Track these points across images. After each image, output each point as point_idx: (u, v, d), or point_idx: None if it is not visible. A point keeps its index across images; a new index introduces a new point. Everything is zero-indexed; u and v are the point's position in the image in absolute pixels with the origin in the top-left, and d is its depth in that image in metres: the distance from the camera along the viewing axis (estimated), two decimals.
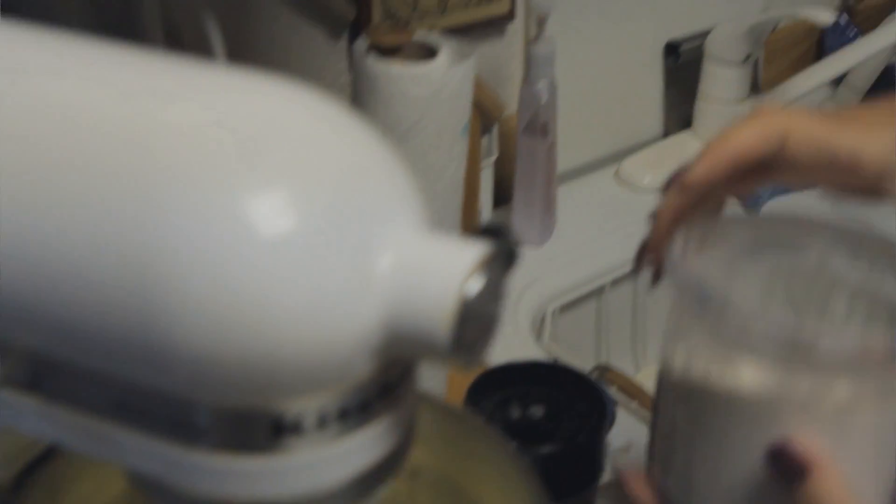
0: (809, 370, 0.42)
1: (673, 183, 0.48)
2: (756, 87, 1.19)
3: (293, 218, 0.28)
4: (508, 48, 0.99)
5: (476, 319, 0.30)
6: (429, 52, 0.65)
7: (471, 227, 0.79)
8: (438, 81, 0.63)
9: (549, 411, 0.65)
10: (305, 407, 0.30)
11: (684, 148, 1.15)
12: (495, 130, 0.91)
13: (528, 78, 0.94)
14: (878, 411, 0.43)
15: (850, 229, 0.48)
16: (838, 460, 0.42)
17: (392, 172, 0.31)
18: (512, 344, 0.85)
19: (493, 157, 0.89)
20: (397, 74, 0.62)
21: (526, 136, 0.96)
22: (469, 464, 0.47)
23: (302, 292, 0.28)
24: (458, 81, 0.63)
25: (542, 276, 0.97)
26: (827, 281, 0.49)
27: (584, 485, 0.64)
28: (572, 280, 0.97)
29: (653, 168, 1.11)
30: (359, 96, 0.65)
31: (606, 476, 0.72)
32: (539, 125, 0.96)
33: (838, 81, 1.26)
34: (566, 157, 1.08)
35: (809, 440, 0.42)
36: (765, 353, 0.42)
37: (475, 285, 0.30)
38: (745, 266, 0.49)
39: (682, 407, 0.46)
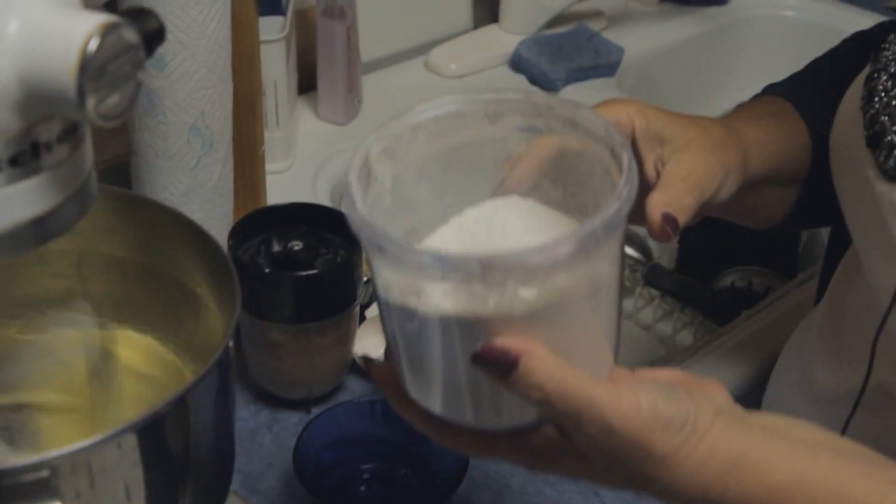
0: (489, 289, 0.42)
1: None
2: None
3: None
4: None
5: (103, 76, 0.36)
6: None
7: (252, 92, 0.84)
8: None
9: (308, 244, 0.72)
10: None
11: (491, 39, 1.22)
12: (290, 12, 0.97)
13: None
14: (570, 294, 0.44)
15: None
16: (546, 342, 0.43)
17: None
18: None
19: (284, 34, 0.94)
20: None
21: (325, 18, 1.02)
22: (171, 252, 0.54)
23: None
24: None
25: (344, 150, 1.03)
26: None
27: (340, 306, 0.72)
28: None
29: (460, 57, 1.18)
30: None
31: (372, 306, 0.80)
32: (336, 8, 1.02)
33: None
34: (375, 47, 1.15)
35: (509, 334, 0.43)
36: (445, 282, 0.43)
37: (95, 43, 0.36)
38: (427, 170, 0.50)
39: (393, 326, 0.47)
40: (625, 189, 0.44)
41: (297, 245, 0.72)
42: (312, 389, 0.75)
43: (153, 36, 0.40)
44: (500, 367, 0.43)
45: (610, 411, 0.43)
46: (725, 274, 1.01)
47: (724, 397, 0.46)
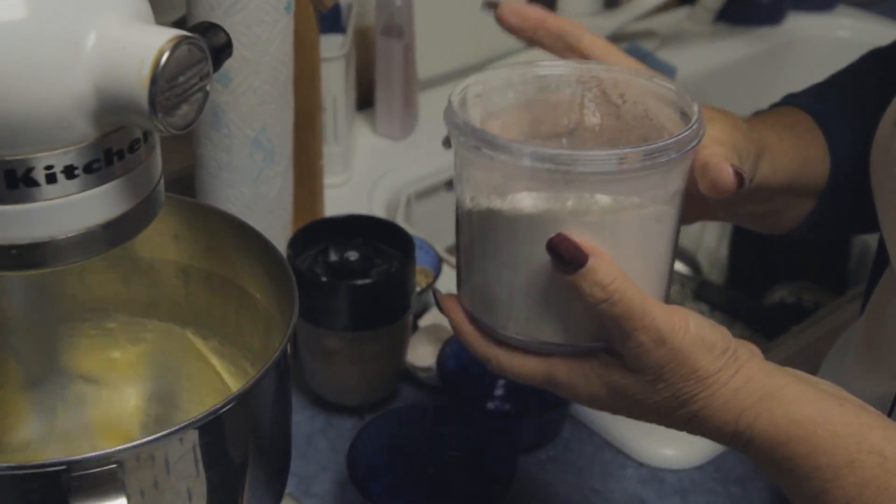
0: (570, 189, 0.48)
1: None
2: (615, 2, 1.28)
3: (16, 5, 0.37)
4: None
5: (174, 88, 0.39)
6: None
7: (312, 108, 0.87)
8: None
9: (364, 255, 0.74)
10: (37, 162, 0.39)
11: (546, 58, 1.23)
12: (350, 31, 0.99)
13: None
14: (637, 212, 0.50)
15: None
16: (615, 255, 0.49)
17: None
18: None
19: (344, 52, 0.97)
20: None
21: (384, 37, 1.05)
22: (233, 259, 0.56)
23: (23, 63, 0.37)
24: None
25: (400, 165, 1.06)
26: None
27: (394, 315, 0.74)
28: (429, 169, 1.05)
29: None
30: None
31: (425, 316, 0.82)
32: (395, 27, 1.04)
33: (693, 2, 1.35)
34: (432, 65, 1.17)
35: (582, 238, 0.48)
36: (532, 180, 0.49)
37: (167, 56, 0.38)
38: (512, 107, 0.57)
39: (473, 235, 0.53)
40: (696, 123, 0.50)
41: (352, 255, 0.75)
42: (366, 396, 0.77)
43: (221, 49, 0.42)
44: (571, 261, 0.47)
45: (662, 323, 0.47)
46: (775, 289, 1.01)
47: (760, 353, 0.50)
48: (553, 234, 0.49)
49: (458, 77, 1.20)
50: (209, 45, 0.41)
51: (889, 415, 0.60)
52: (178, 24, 0.84)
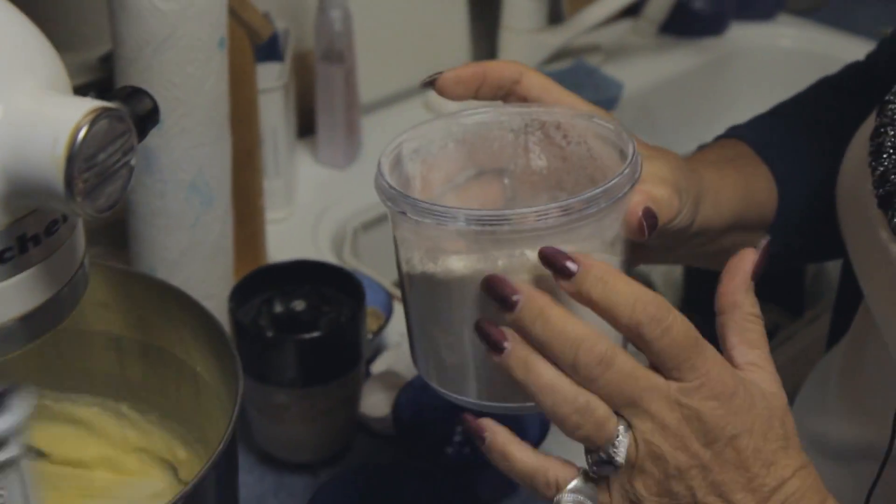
0: (499, 248, 0.47)
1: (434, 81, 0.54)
2: (558, 18, 1.25)
3: None
4: None
5: (92, 167, 0.35)
6: None
7: (251, 143, 0.82)
8: None
9: (311, 304, 0.70)
10: None
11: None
12: (288, 58, 0.95)
13: (321, 7, 0.98)
14: None
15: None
16: None
17: (9, 40, 0.35)
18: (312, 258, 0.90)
19: (282, 81, 0.92)
20: None
21: (323, 63, 1.01)
22: (169, 329, 0.52)
23: None
24: None
25: (345, 195, 1.02)
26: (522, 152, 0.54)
27: (345, 368, 0.70)
28: (375, 198, 1.01)
29: None
30: (113, 14, 0.68)
31: (377, 361, 0.78)
32: (335, 52, 1.00)
33: (636, 14, 1.33)
34: (374, 88, 1.13)
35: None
36: (460, 242, 0.47)
37: (84, 132, 0.34)
38: (454, 158, 0.55)
39: (414, 299, 0.51)
40: (627, 167, 0.48)
41: (299, 305, 0.70)
42: (319, 452, 0.73)
43: (147, 117, 0.38)
44: (562, 268, 0.44)
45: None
46: None
47: None
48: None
49: (402, 99, 1.17)
50: (133, 113, 0.37)
51: (882, 466, 0.57)
52: (104, 59, 0.79)
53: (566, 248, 0.46)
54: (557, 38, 1.21)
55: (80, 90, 0.78)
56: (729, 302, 0.47)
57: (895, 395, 0.54)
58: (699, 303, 1.05)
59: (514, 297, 0.45)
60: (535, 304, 0.44)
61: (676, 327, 0.43)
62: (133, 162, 0.37)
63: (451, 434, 0.76)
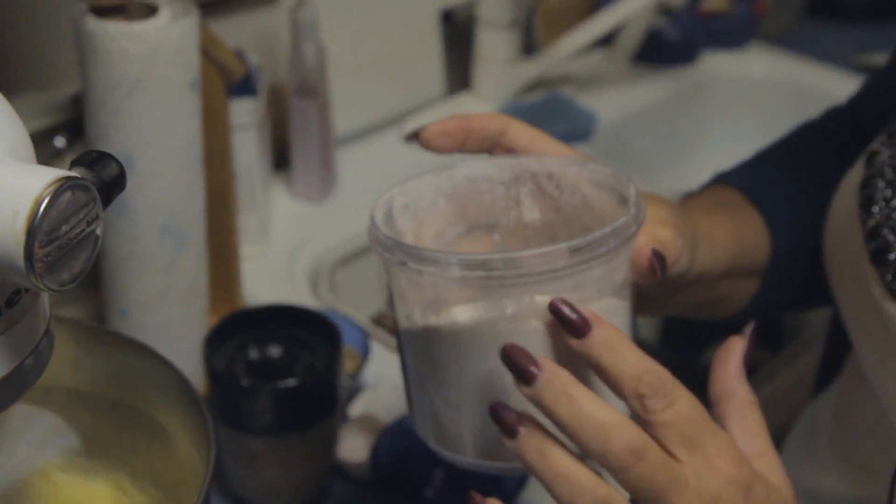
0: (507, 294, 0.45)
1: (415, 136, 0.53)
2: (532, 48, 1.25)
3: None
4: (278, 16, 1.03)
5: (54, 240, 0.33)
6: (151, 11, 0.67)
7: (224, 182, 0.81)
8: (157, 38, 0.65)
9: (287, 349, 0.69)
10: None
11: (465, 107, 1.20)
12: (262, 94, 0.94)
13: (295, 42, 0.98)
14: (581, 303, 0.46)
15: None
16: (563, 359, 0.45)
17: None
18: (289, 297, 0.89)
19: (257, 117, 0.91)
20: (115, 32, 0.65)
21: (297, 98, 1.00)
22: (139, 388, 0.50)
23: None
24: (178, 38, 0.66)
25: (320, 231, 1.01)
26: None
27: (321, 415, 0.69)
28: (352, 233, 1.01)
29: None
30: (82, 57, 0.67)
31: (355, 404, 0.77)
32: (308, 87, 0.99)
33: (609, 43, 1.33)
34: (348, 120, 1.12)
35: (527, 344, 0.44)
36: (465, 290, 0.46)
37: (44, 205, 0.33)
38: (444, 213, 0.54)
39: (414, 356, 0.49)
40: (633, 207, 0.47)
41: (274, 351, 0.69)
42: (294, 499, 0.72)
43: (113, 183, 0.37)
44: (574, 324, 0.43)
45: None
46: (707, 349, 0.98)
47: None
48: (496, 346, 0.44)
49: (377, 130, 1.17)
50: (98, 179, 0.36)
51: None
52: (75, 99, 0.78)
53: (576, 294, 0.45)
54: (531, 69, 1.21)
55: (50, 130, 0.77)
56: (724, 390, 0.46)
57: (891, 453, 0.54)
58: (676, 337, 1.04)
59: (534, 371, 0.42)
60: (559, 381, 0.42)
61: (682, 402, 0.42)
62: (99, 231, 0.36)
63: (429, 479, 0.75)
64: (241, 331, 0.71)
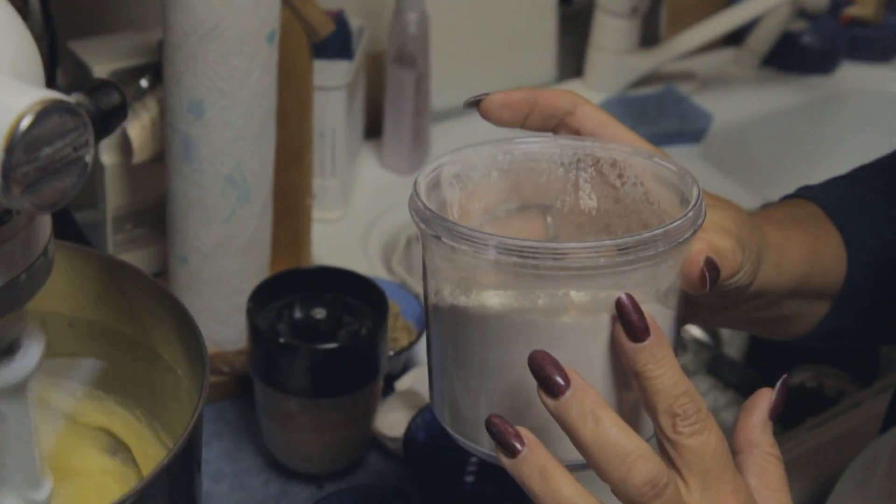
0: (540, 285, 0.43)
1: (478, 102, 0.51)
2: (652, 40, 1.20)
3: None
4: None
5: (35, 160, 0.33)
6: None
7: (302, 142, 0.81)
8: None
9: (333, 313, 0.68)
10: None
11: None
12: (357, 58, 0.93)
13: (397, 8, 0.96)
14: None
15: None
16: (593, 363, 0.43)
17: None
18: (360, 266, 0.87)
19: (347, 81, 0.91)
20: None
21: (395, 66, 0.99)
22: (152, 324, 0.50)
23: None
24: None
25: (402, 204, 0.98)
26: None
27: (359, 382, 0.67)
28: None
29: None
30: (164, 0, 0.67)
31: (403, 378, 0.75)
32: (408, 56, 0.98)
33: (739, 43, 1.27)
34: (449, 95, 1.10)
35: (558, 352, 0.42)
36: (498, 274, 0.44)
37: (27, 123, 0.32)
38: (497, 188, 0.52)
39: (439, 335, 0.47)
40: (691, 211, 0.44)
41: (319, 313, 0.68)
42: (326, 465, 0.71)
43: (112, 112, 0.36)
44: (636, 327, 0.41)
45: None
46: (797, 371, 0.93)
47: None
48: (523, 336, 0.43)
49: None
50: (97, 107, 0.35)
51: None
52: (161, 43, 0.79)
53: (615, 294, 0.43)
54: (648, 61, 1.16)
55: (137, 70, 0.78)
56: (746, 440, 0.44)
57: None
58: (763, 358, 0.99)
59: (561, 384, 0.41)
60: (587, 399, 0.40)
61: (713, 432, 0.41)
62: (88, 158, 0.35)
63: (466, 466, 0.73)
64: (290, 291, 0.70)
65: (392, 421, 0.73)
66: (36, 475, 0.45)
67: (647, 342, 0.41)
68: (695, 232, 0.44)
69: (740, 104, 1.23)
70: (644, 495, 0.39)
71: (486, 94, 0.52)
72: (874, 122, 1.30)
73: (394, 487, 0.68)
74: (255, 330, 0.67)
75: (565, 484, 0.40)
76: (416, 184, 0.48)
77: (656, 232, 0.43)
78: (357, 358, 0.67)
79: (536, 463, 0.41)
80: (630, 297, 0.42)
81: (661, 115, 1.14)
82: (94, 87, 0.36)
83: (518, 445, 0.41)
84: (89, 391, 0.52)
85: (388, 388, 0.76)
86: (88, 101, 0.35)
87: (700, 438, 0.41)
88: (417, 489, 0.70)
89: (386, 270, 0.92)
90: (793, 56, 1.27)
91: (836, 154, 1.28)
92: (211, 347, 0.78)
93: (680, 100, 1.16)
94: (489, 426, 0.42)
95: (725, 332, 1.01)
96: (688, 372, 1.00)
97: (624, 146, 0.50)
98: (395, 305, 0.79)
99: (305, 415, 0.68)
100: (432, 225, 0.44)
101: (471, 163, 0.50)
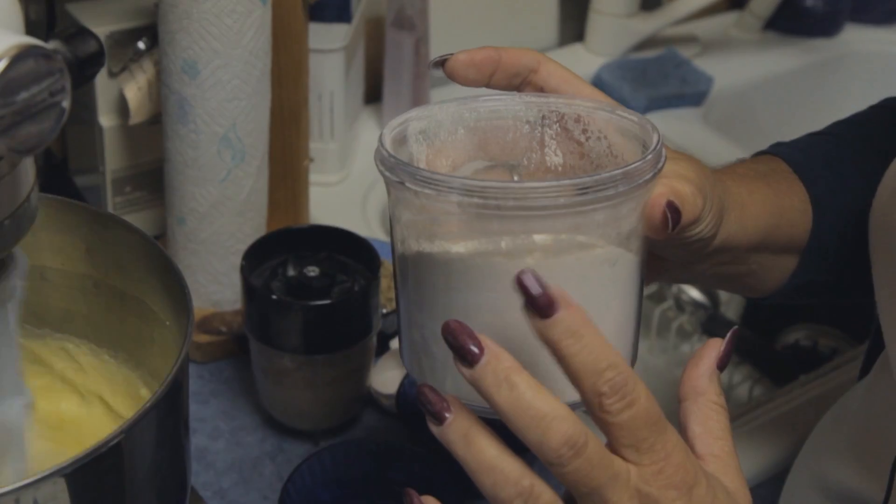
0: (504, 227, 0.44)
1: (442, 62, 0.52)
2: (656, 3, 1.20)
3: None
4: None
5: (11, 105, 0.34)
6: None
7: (298, 103, 0.81)
8: None
9: (326, 271, 0.69)
10: None
11: (574, 59, 1.16)
12: (355, 21, 0.94)
13: None
14: (585, 254, 0.45)
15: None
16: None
17: None
18: (357, 228, 0.88)
19: (344, 44, 0.91)
20: None
21: (393, 29, 0.99)
22: (125, 267, 0.51)
23: None
24: None
25: None
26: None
27: (352, 339, 0.68)
28: None
29: None
30: None
31: (394, 341, 0.76)
32: (406, 19, 0.98)
33: (741, 7, 1.27)
34: None
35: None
36: (461, 218, 0.44)
37: (2, 65, 0.33)
38: (462, 145, 0.52)
39: (405, 283, 0.48)
40: (650, 154, 0.45)
41: (312, 271, 0.69)
42: (320, 422, 0.72)
43: (89, 60, 0.37)
44: (540, 302, 0.39)
45: None
46: (791, 330, 0.94)
47: None
48: (487, 279, 0.43)
49: None
50: (74, 54, 0.36)
51: None
52: (158, 4, 0.79)
53: (577, 236, 0.43)
54: (649, 24, 1.16)
55: (136, 32, 0.79)
56: (692, 388, 0.44)
57: (893, 449, 0.49)
58: (759, 317, 1.00)
59: (475, 352, 0.40)
60: (500, 366, 0.40)
61: (640, 403, 0.40)
62: (65, 104, 0.36)
63: None
64: (284, 250, 0.71)
65: (386, 379, 0.74)
66: (20, 383, 0.46)
67: (556, 316, 0.39)
68: (655, 175, 0.45)
69: (742, 67, 1.22)
70: (563, 456, 0.39)
71: (452, 54, 0.52)
72: (877, 86, 1.29)
73: (386, 441, 0.69)
74: (249, 287, 0.68)
75: (488, 446, 0.40)
76: (381, 136, 0.48)
77: (615, 172, 0.43)
78: (350, 315, 0.68)
79: (461, 428, 0.40)
80: (530, 270, 0.40)
81: (662, 78, 1.14)
82: (71, 35, 0.37)
83: (476, 349, 0.40)
84: (81, 344, 0.53)
85: (384, 348, 0.77)
86: (65, 48, 0.36)
87: (628, 413, 0.39)
88: (410, 444, 0.71)
89: (384, 233, 0.92)
90: (795, 19, 1.27)
91: (838, 117, 1.27)
92: (209, 308, 0.79)
93: (681, 63, 1.16)
94: (445, 330, 0.40)
95: (723, 294, 1.01)
96: (685, 332, 1.01)
97: (587, 101, 0.50)
98: (390, 266, 0.80)
99: (299, 371, 0.69)
100: (396, 171, 0.45)
101: (437, 119, 0.50)
